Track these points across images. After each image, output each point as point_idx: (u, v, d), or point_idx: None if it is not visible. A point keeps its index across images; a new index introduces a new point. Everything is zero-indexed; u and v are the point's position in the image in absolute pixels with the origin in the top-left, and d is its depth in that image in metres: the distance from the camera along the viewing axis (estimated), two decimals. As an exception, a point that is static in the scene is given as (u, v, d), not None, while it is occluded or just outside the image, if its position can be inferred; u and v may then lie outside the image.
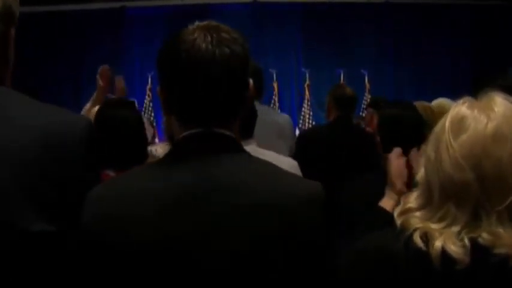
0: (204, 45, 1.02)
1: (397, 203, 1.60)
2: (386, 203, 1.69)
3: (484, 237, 1.00)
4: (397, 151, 1.80)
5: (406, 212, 1.09)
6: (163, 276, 0.98)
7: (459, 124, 1.04)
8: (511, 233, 0.99)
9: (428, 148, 1.09)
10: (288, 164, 2.07)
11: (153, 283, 0.99)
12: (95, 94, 3.12)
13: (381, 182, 1.84)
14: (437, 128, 1.09)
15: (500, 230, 1.00)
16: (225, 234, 0.99)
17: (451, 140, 1.03)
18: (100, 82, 3.05)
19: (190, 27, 1.07)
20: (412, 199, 1.11)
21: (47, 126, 1.00)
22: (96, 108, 2.31)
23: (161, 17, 8.15)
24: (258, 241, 1.00)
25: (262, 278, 1.00)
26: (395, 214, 1.11)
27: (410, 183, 1.58)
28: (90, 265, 1.01)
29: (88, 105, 3.08)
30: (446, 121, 1.06)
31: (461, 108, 1.06)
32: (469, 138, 1.02)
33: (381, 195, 1.78)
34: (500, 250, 0.98)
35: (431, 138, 1.09)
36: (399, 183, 1.71)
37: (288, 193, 1.04)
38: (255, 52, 7.23)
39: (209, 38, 1.03)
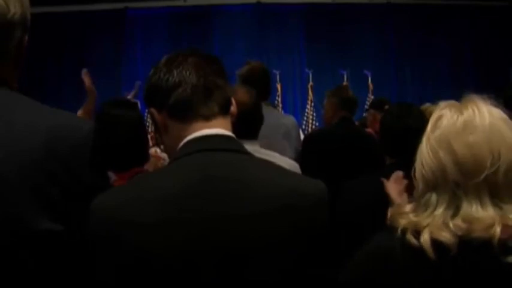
0: (180, 58, 1.14)
1: None
2: None
3: (460, 225, 1.07)
4: (396, 175, 1.86)
5: (396, 211, 1.19)
6: (169, 282, 0.98)
7: (436, 122, 1.17)
8: (490, 212, 1.08)
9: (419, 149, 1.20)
10: (288, 164, 2.05)
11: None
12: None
13: (378, 182, 1.90)
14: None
15: (476, 213, 1.08)
16: (233, 237, 0.99)
17: (430, 134, 1.16)
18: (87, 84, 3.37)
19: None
20: (407, 202, 1.22)
21: (52, 129, 1.02)
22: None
23: (163, 18, 8.14)
24: (267, 242, 1.00)
25: (270, 278, 1.00)
26: (388, 215, 1.18)
27: None
28: (96, 268, 1.01)
29: (80, 111, 3.22)
30: (430, 121, 1.19)
31: (441, 110, 1.19)
32: (442, 130, 1.15)
33: (377, 195, 1.84)
34: (477, 234, 1.06)
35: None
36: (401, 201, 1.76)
37: (294, 192, 1.05)
38: (258, 53, 7.31)
39: (186, 53, 1.16)
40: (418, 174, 1.17)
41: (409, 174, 1.29)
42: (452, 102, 1.21)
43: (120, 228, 0.98)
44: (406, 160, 2.10)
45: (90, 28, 7.88)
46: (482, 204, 1.09)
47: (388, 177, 1.89)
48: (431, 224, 1.09)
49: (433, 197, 1.12)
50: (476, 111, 1.15)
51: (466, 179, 1.09)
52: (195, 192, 1.00)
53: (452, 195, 1.11)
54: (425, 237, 1.07)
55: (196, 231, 0.98)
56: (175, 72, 1.11)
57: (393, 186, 1.82)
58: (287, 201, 1.03)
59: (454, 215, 1.09)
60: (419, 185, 1.16)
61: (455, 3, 8.19)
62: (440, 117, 1.18)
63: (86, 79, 3.41)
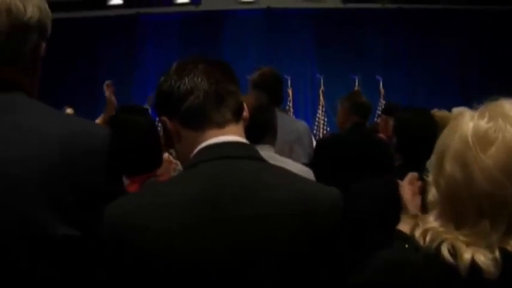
0: (189, 66, 1.12)
1: (413, 228, 1.58)
2: (402, 228, 1.66)
3: (508, 243, 0.97)
4: (411, 176, 1.78)
5: (428, 230, 1.05)
6: (170, 283, 0.98)
7: (484, 137, 0.99)
8: None
9: (448, 166, 1.03)
10: (302, 171, 2.04)
11: None
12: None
13: (388, 186, 1.88)
14: (455, 144, 1.03)
15: None
16: (236, 237, 0.99)
17: (481, 154, 0.98)
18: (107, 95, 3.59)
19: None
20: (431, 220, 1.07)
21: (67, 136, 1.02)
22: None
23: (175, 23, 8.18)
24: (270, 243, 1.00)
25: (273, 279, 1.00)
26: (417, 235, 1.06)
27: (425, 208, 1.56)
28: (108, 274, 1.01)
29: (98, 120, 3.29)
30: (469, 136, 1.01)
31: (479, 120, 1.02)
32: (500, 150, 0.98)
33: (387, 198, 1.82)
34: None
35: (449, 156, 1.03)
36: (412, 208, 1.69)
37: (305, 197, 1.04)
38: (269, 58, 7.30)
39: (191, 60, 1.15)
40: (463, 198, 1.01)
41: (420, 176, 1.25)
42: (481, 108, 1.05)
43: (124, 229, 0.98)
44: (414, 162, 2.15)
45: (103, 33, 7.94)
46: None
47: (396, 179, 1.86)
48: (474, 245, 0.98)
49: (487, 225, 0.98)
50: None
51: None
52: (205, 198, 1.00)
53: (508, 225, 0.98)
54: (466, 257, 0.97)
55: (199, 233, 0.98)
56: (186, 80, 1.10)
57: (407, 187, 1.74)
58: (297, 206, 1.02)
59: (506, 241, 0.98)
60: (467, 212, 1.00)
61: (466, 8, 8.17)
62: (487, 131, 1.00)
63: (108, 90, 3.61)
